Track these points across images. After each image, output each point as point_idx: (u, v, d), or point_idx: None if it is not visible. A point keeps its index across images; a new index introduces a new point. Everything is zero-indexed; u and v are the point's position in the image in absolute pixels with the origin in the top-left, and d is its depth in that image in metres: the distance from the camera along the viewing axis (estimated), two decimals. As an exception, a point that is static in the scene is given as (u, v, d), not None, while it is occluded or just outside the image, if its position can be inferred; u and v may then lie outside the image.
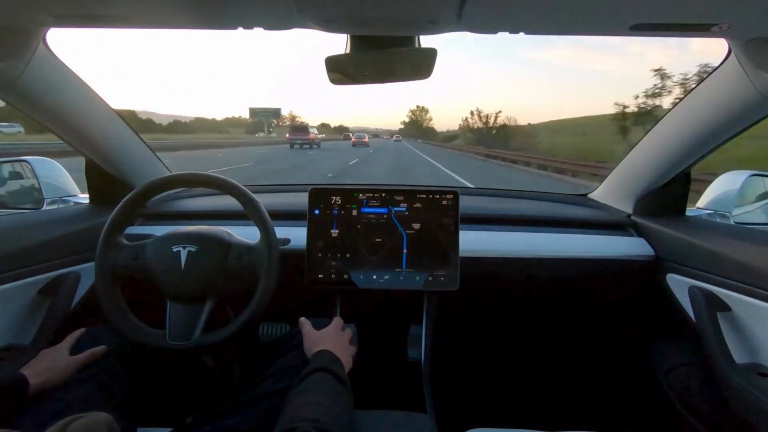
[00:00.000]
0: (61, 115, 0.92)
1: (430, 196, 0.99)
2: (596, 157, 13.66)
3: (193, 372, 1.14)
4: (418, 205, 0.99)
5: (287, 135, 29.00)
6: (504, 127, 45.92)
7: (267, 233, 0.84)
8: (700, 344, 0.87)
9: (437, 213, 0.99)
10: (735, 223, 1.22)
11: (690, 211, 1.16)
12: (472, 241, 1.04)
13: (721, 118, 0.86)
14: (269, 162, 15.32)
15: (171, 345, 0.80)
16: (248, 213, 0.86)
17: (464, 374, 1.40)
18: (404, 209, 0.99)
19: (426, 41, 0.73)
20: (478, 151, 26.37)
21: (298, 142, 26.44)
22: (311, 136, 27.71)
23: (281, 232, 0.89)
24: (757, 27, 0.63)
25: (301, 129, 29.08)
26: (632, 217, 1.16)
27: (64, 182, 1.33)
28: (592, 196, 1.34)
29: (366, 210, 1.00)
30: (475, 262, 1.04)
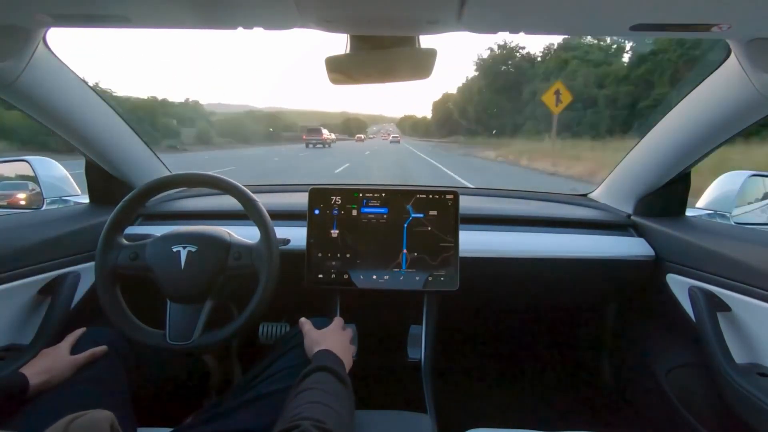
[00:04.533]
0: (61, 115, 0.92)
1: (430, 196, 0.99)
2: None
3: (193, 372, 1.14)
4: (418, 205, 0.99)
5: (303, 136, 30.27)
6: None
7: (267, 233, 0.84)
8: (700, 344, 0.87)
9: (437, 213, 0.99)
10: (735, 223, 1.22)
11: (690, 211, 1.16)
12: (472, 241, 1.04)
13: (721, 118, 0.86)
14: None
15: (171, 345, 0.80)
16: (248, 213, 0.86)
17: (464, 374, 1.40)
18: (404, 209, 0.99)
19: (426, 41, 0.73)
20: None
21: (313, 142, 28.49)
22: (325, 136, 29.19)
23: (281, 232, 0.89)
24: (757, 27, 0.63)
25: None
26: (632, 217, 1.16)
27: (64, 182, 1.33)
28: (592, 196, 1.34)
29: (366, 210, 1.00)
30: (475, 262, 1.04)
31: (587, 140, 17.03)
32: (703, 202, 1.28)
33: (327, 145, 29.26)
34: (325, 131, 30.91)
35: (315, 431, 0.50)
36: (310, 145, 27.87)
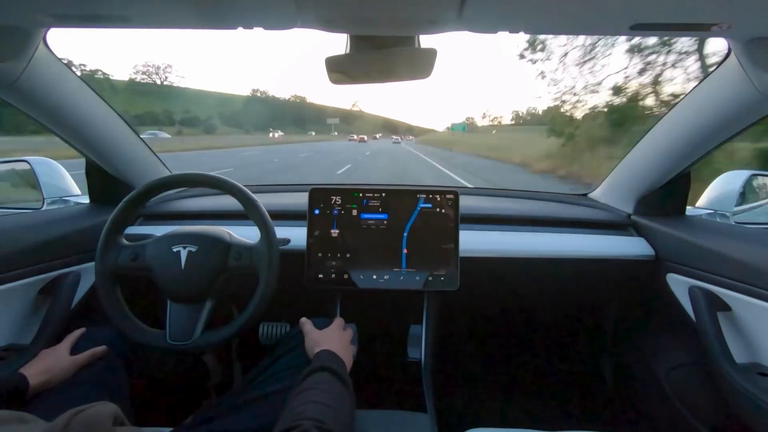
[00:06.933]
0: (61, 115, 0.92)
1: (430, 195, 0.99)
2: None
3: (193, 372, 1.14)
4: (418, 204, 0.99)
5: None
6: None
7: (267, 233, 0.84)
8: (700, 344, 0.87)
9: (437, 213, 0.99)
10: (735, 222, 1.22)
11: (690, 210, 1.16)
12: (472, 241, 1.04)
13: (721, 118, 0.86)
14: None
15: (171, 345, 0.80)
16: (248, 213, 0.86)
17: (464, 374, 1.40)
18: (404, 209, 0.99)
19: (426, 41, 0.73)
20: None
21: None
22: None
23: (281, 232, 0.89)
24: (757, 27, 0.63)
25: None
26: (632, 217, 1.16)
27: (64, 182, 1.33)
28: (593, 195, 1.34)
29: (366, 210, 1.00)
30: (475, 262, 1.04)
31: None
32: (703, 202, 1.28)
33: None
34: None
35: (315, 431, 0.50)
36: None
